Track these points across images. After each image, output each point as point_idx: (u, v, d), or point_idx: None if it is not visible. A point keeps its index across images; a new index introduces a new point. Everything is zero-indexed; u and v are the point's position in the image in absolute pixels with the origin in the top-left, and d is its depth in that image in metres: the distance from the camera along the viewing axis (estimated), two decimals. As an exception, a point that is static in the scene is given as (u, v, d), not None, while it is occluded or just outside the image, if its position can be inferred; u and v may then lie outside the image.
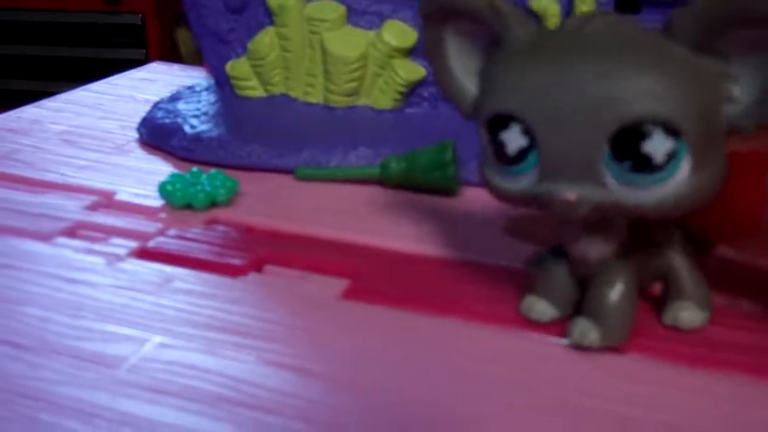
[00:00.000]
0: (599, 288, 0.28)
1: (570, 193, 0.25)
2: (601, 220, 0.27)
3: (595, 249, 0.28)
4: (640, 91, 0.24)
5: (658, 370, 0.27)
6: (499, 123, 0.26)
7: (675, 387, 0.27)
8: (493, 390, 0.26)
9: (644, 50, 0.25)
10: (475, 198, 0.42)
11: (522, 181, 0.27)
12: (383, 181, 0.43)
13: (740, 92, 0.25)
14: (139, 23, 1.55)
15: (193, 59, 1.51)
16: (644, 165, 0.24)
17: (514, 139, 0.26)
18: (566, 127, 0.25)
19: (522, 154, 0.26)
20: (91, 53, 1.58)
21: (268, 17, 0.51)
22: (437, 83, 0.30)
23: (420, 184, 0.42)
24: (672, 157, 0.24)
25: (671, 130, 0.24)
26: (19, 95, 1.60)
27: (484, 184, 0.29)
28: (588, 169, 0.25)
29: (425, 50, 0.30)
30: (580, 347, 0.28)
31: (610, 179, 0.25)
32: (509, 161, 0.27)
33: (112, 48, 1.57)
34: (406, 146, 0.44)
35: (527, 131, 0.26)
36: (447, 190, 0.42)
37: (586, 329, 0.28)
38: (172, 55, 1.54)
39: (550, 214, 0.26)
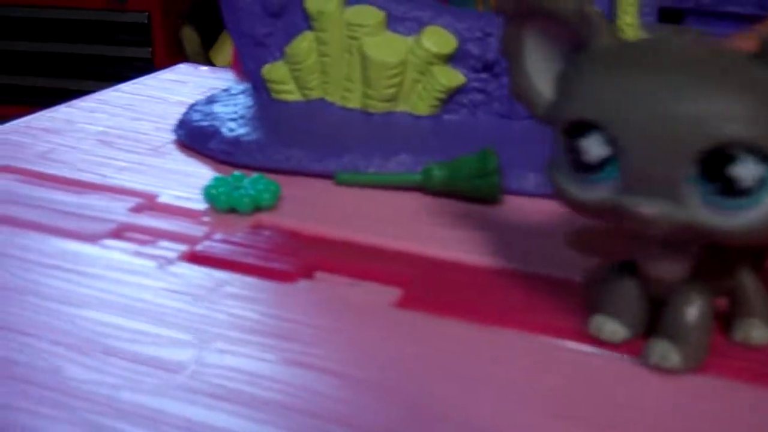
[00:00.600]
0: (678, 308, 0.27)
1: (648, 208, 0.24)
2: (678, 239, 0.26)
3: (671, 268, 0.27)
4: (732, 112, 0.23)
5: (725, 388, 0.27)
6: (579, 130, 0.26)
7: (742, 405, 0.26)
8: (547, 403, 0.26)
9: (734, 71, 0.24)
10: (517, 207, 0.42)
11: (598, 191, 0.26)
12: (425, 188, 0.43)
13: None
14: (146, 22, 1.55)
15: (197, 58, 1.51)
16: (731, 189, 0.24)
17: (595, 147, 0.25)
18: (653, 141, 0.24)
19: (602, 163, 0.25)
20: (98, 51, 1.58)
21: (307, 22, 0.50)
22: (510, 82, 0.30)
23: (462, 191, 0.42)
24: (762, 183, 0.24)
25: (762, 156, 0.23)
26: (23, 92, 1.61)
27: (555, 190, 0.28)
28: (670, 186, 0.24)
29: (503, 48, 0.30)
30: (659, 369, 0.28)
31: (693, 199, 0.24)
32: (587, 169, 0.26)
33: (119, 46, 1.57)
34: (445, 153, 0.44)
35: (610, 141, 0.25)
36: (489, 198, 0.42)
37: (666, 352, 0.27)
38: (177, 53, 1.53)
39: (624, 228, 0.26)
